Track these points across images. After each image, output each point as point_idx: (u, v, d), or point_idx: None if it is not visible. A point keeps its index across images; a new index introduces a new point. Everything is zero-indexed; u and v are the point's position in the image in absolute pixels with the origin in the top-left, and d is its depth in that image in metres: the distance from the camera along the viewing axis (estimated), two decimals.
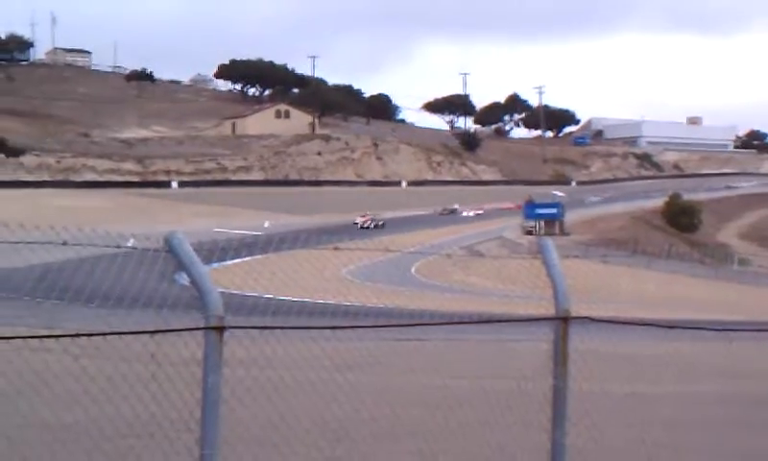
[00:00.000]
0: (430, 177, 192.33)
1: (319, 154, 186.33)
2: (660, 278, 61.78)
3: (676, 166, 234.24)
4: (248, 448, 9.39)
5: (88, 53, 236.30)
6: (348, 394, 10.71)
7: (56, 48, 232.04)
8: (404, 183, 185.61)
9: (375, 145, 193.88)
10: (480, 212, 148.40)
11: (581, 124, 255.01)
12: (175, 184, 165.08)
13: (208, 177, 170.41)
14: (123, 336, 7.15)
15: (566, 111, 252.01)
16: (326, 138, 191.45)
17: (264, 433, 10.59)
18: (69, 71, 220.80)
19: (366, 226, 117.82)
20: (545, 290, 8.99)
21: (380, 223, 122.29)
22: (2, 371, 9.08)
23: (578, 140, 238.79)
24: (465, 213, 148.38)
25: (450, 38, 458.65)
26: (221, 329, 6.83)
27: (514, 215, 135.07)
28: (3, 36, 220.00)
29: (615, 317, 11.97)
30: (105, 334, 7.02)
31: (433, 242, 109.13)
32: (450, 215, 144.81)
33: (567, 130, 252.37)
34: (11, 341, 6.72)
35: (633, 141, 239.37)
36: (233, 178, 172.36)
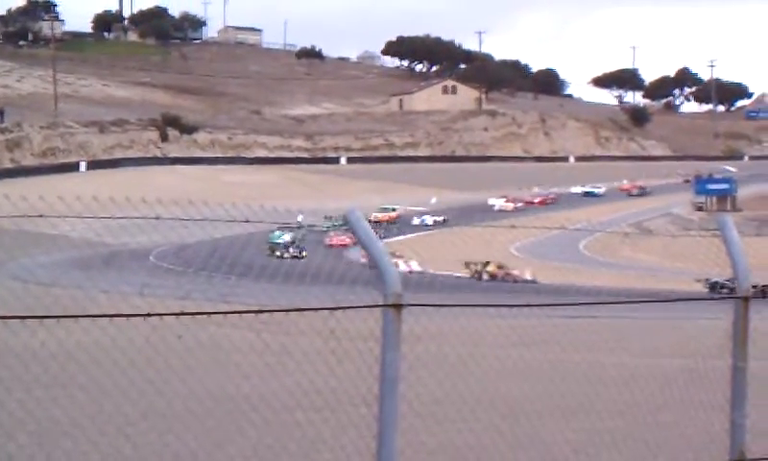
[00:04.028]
0: (598, 152, 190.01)
1: (485, 129, 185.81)
2: None
3: None
4: (424, 424, 9.48)
5: (259, 31, 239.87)
6: (521, 370, 10.72)
7: (227, 26, 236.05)
8: (572, 159, 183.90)
9: (543, 120, 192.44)
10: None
11: (754, 97, 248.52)
12: (343, 160, 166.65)
13: (376, 153, 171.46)
14: (303, 312, 7.26)
15: (739, 85, 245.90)
16: (493, 114, 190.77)
17: (440, 409, 10.67)
18: (241, 49, 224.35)
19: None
20: (724, 268, 8.84)
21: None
22: (187, 346, 9.34)
23: (751, 114, 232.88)
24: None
25: (620, 11, 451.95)
26: (399, 307, 6.86)
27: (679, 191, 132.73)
28: (177, 16, 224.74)
29: None
30: (286, 310, 7.15)
31: (601, 219, 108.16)
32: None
33: (740, 104, 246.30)
34: (195, 317, 6.89)
35: None
36: (401, 154, 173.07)
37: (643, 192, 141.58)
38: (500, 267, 59.00)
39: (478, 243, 47.66)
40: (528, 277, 56.87)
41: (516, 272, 57.48)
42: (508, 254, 57.00)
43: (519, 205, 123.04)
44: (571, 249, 77.24)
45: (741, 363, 8.67)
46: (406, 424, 7.48)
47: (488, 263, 57.81)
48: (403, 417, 6.94)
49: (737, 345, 8.70)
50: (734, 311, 8.67)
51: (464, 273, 55.34)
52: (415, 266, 55.76)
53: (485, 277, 56.58)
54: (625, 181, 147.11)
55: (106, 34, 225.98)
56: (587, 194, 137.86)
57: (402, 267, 55.85)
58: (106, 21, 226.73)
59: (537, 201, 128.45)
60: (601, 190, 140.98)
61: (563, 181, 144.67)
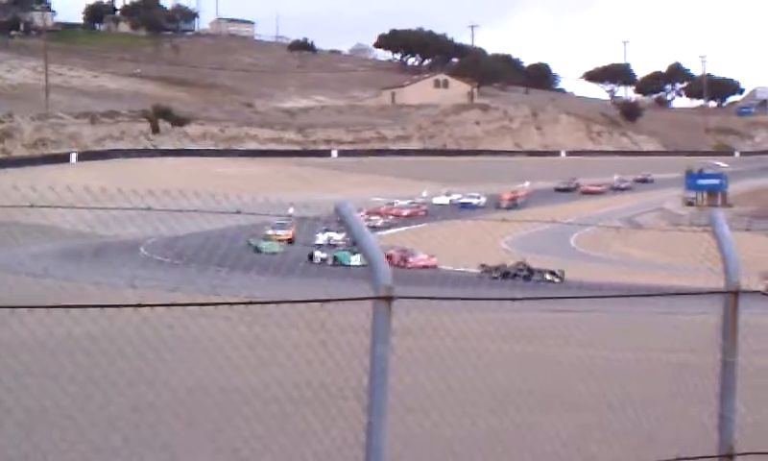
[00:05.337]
0: (589, 147, 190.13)
1: (477, 123, 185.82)
2: None
3: None
4: (413, 417, 9.48)
5: (251, 23, 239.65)
6: (511, 364, 10.74)
7: (219, 18, 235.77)
8: (563, 153, 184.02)
9: (534, 115, 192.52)
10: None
11: (745, 93, 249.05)
12: (335, 153, 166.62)
13: (368, 146, 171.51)
14: (294, 304, 7.26)
15: (730, 81, 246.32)
16: (485, 108, 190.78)
17: (429, 402, 10.69)
18: (233, 41, 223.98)
19: None
20: (714, 262, 8.85)
21: None
22: (179, 337, 9.33)
23: (742, 110, 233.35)
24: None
25: (612, 6, 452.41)
26: (389, 299, 6.88)
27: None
28: (169, 7, 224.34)
29: None
30: (277, 302, 7.15)
31: (593, 213, 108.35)
32: None
33: (731, 99, 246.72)
34: (187, 308, 6.89)
35: None
36: (393, 147, 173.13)
37: (513, 205, 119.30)
38: None
39: (468, 238, 47.72)
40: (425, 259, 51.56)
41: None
42: (499, 247, 56.94)
43: (390, 218, 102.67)
44: (562, 243, 77.33)
45: (730, 358, 8.70)
46: (396, 418, 7.49)
47: None
48: (393, 410, 6.95)
49: (727, 339, 8.72)
50: (724, 306, 8.69)
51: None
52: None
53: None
54: (506, 191, 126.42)
55: (97, 25, 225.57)
56: (463, 205, 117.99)
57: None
58: (97, 12, 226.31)
59: (405, 213, 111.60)
60: (481, 201, 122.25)
61: (554, 175, 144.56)
